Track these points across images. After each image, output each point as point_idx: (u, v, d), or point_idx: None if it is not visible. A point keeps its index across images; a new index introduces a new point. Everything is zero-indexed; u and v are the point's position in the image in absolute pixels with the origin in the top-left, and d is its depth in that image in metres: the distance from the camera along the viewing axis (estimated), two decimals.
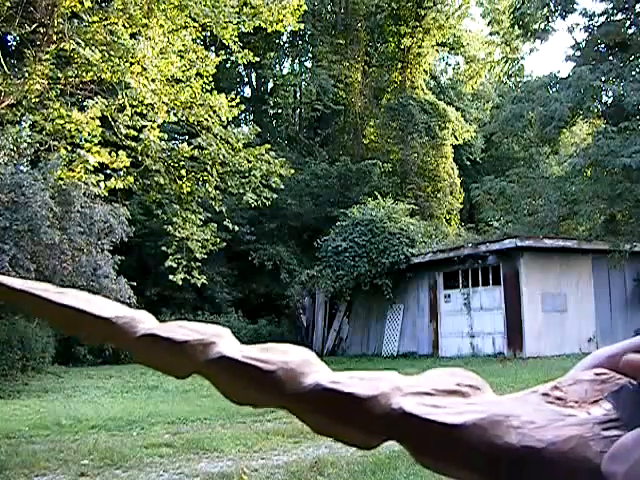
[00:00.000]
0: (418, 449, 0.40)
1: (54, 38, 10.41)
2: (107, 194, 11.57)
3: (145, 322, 0.50)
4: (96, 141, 10.48)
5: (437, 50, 31.43)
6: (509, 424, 0.38)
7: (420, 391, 0.41)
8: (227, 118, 11.91)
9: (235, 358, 0.45)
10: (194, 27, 11.39)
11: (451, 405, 0.40)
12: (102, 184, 10.78)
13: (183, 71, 11.27)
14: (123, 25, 10.45)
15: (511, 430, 0.38)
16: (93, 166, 10.39)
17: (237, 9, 11.21)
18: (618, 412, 0.39)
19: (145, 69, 10.36)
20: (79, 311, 0.50)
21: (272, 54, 29.04)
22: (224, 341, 0.47)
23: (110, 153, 10.79)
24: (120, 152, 10.87)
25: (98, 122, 10.46)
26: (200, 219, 12.68)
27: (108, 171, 11.13)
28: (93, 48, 9.93)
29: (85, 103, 11.02)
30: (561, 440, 0.37)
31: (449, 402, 0.41)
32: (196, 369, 0.47)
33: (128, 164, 10.96)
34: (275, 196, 13.49)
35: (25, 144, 9.80)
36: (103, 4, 10.99)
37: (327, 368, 0.46)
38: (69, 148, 10.49)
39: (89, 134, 10.22)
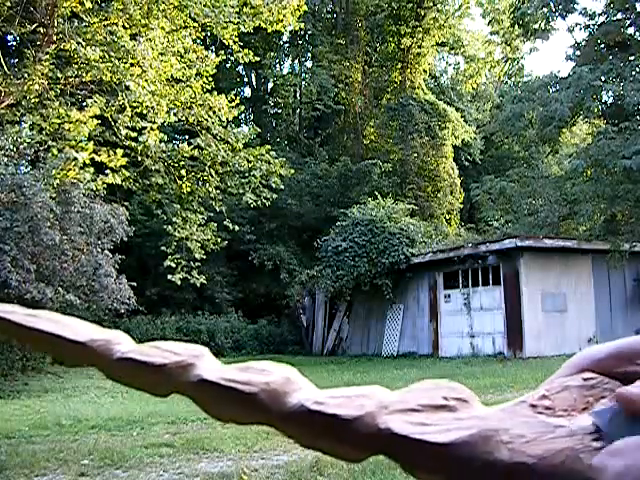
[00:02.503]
0: (408, 466, 0.40)
1: (54, 38, 10.41)
2: (107, 194, 11.57)
3: (121, 344, 0.48)
4: (84, 138, 10.45)
5: (437, 50, 31.44)
6: (499, 439, 0.38)
7: (406, 408, 0.40)
8: (227, 119, 11.92)
9: (215, 382, 0.44)
10: (194, 27, 11.40)
11: (439, 422, 0.39)
12: (99, 181, 10.76)
13: (183, 71, 11.27)
14: (123, 26, 10.45)
15: (501, 445, 0.38)
16: (88, 164, 10.36)
17: (237, 9, 11.21)
18: (605, 430, 0.38)
19: (145, 71, 10.36)
20: (51, 335, 0.49)
21: (272, 54, 29.04)
22: (203, 362, 0.46)
23: (108, 152, 10.78)
24: (118, 151, 10.86)
25: (97, 121, 10.45)
26: (203, 218, 12.69)
27: (107, 171, 11.12)
28: (93, 48, 9.93)
29: (85, 103, 11.02)
30: (551, 454, 0.37)
31: (437, 418, 0.40)
32: (176, 389, 0.46)
33: (124, 162, 10.94)
34: (275, 196, 13.50)
35: (25, 144, 9.79)
36: (103, 4, 10.99)
37: (310, 384, 0.44)
38: (66, 148, 10.48)
39: (78, 133, 10.18)
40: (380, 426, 0.40)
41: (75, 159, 9.83)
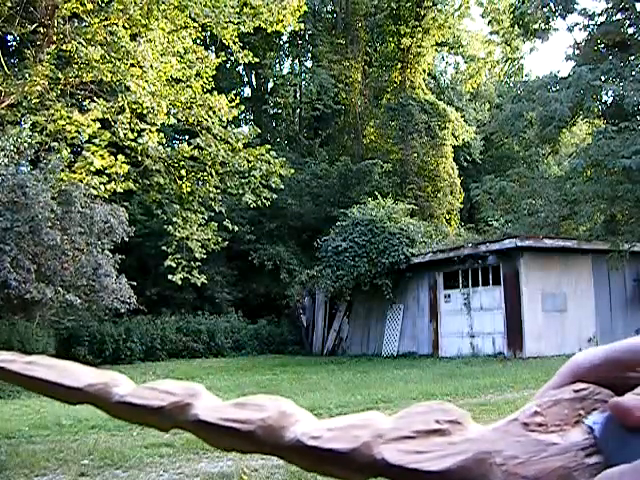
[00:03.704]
0: None
1: (54, 38, 10.41)
2: (107, 195, 11.58)
3: (118, 386, 0.50)
4: (103, 145, 10.49)
5: (437, 50, 31.44)
6: (492, 461, 0.38)
7: (400, 436, 0.41)
8: (227, 119, 11.93)
9: (212, 422, 0.45)
10: (194, 27, 11.40)
11: (433, 448, 0.40)
12: (102, 187, 10.78)
13: (183, 72, 11.27)
14: (123, 26, 10.46)
15: (495, 468, 0.38)
16: (95, 168, 10.40)
17: (237, 9, 11.21)
18: (596, 440, 0.39)
19: (145, 71, 10.36)
20: (49, 382, 0.51)
21: (272, 54, 29.03)
22: (199, 401, 0.47)
23: (110, 156, 10.79)
24: (119, 157, 10.87)
25: (99, 124, 10.46)
26: (203, 218, 12.70)
27: (107, 171, 11.13)
28: (93, 48, 9.94)
29: (85, 104, 11.03)
30: (545, 474, 0.37)
31: (431, 445, 0.40)
32: (176, 427, 0.48)
33: (127, 170, 10.97)
34: (275, 196, 13.50)
35: (25, 145, 9.79)
36: (103, 5, 10.99)
37: (306, 415, 0.46)
38: (69, 150, 10.49)
39: (96, 137, 10.22)
40: (376, 457, 0.40)
41: (91, 163, 9.88)
